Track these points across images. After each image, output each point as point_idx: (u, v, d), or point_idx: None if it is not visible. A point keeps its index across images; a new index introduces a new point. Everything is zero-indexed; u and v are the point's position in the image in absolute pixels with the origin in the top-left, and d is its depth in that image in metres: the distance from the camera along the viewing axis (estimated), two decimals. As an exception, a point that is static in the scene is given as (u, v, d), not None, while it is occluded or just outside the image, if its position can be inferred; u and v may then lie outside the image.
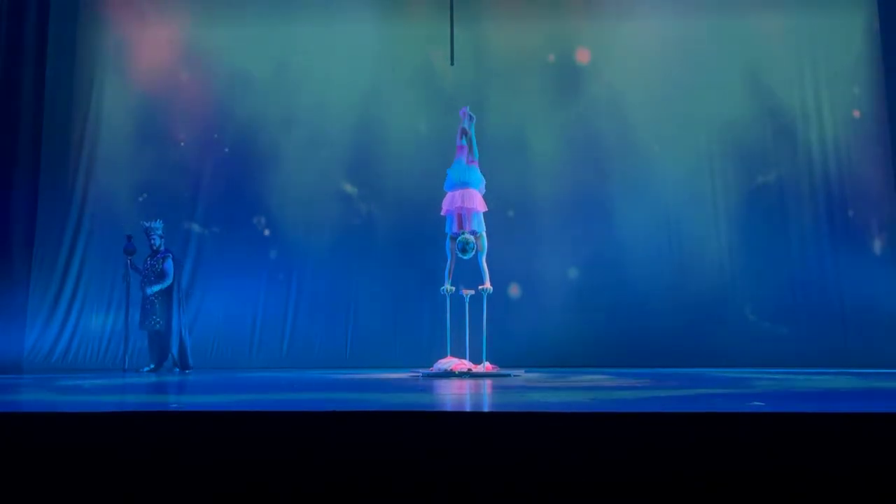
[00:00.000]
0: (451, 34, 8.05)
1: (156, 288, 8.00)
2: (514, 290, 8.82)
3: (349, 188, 9.26)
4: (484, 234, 7.32)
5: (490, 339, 7.31)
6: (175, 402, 4.45)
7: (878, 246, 8.76)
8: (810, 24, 9.12)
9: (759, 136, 9.05)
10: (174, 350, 8.11)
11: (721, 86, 9.10)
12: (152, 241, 8.16)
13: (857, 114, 8.96)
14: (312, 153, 9.28)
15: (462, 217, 7.25)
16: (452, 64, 8.26)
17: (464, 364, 7.06)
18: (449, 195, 7.44)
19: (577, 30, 9.37)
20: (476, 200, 7.32)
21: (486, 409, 3.91)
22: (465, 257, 7.23)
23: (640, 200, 9.03)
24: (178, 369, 8.04)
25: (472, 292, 7.37)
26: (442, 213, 7.52)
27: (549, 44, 9.36)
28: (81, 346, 8.85)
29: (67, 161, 9.15)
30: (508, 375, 6.86)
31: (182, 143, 9.27)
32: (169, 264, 8.15)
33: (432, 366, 7.26)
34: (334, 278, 9.08)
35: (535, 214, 9.06)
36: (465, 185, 7.35)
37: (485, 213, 7.43)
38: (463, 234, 7.19)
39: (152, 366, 8.02)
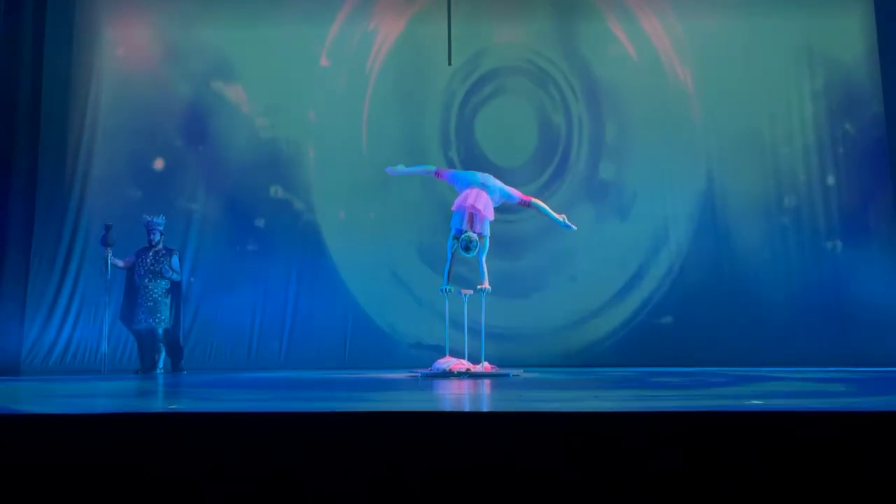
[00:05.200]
0: (448, 34, 8.03)
1: (174, 277, 7.96)
2: (513, 290, 8.80)
3: (349, 188, 9.24)
4: (487, 236, 7.28)
5: (488, 338, 7.31)
6: (175, 403, 4.44)
7: (877, 245, 8.77)
8: (808, 24, 9.13)
9: (759, 136, 9.06)
10: (182, 348, 8.09)
11: (720, 86, 9.10)
12: (152, 237, 8.04)
13: (855, 117, 8.98)
14: (311, 153, 9.29)
15: (473, 217, 7.17)
16: (450, 64, 8.24)
17: (462, 364, 7.05)
18: (465, 192, 7.30)
19: (575, 30, 9.37)
20: (490, 207, 7.25)
21: (484, 410, 3.91)
22: (468, 255, 7.17)
23: (639, 201, 9.05)
24: (170, 370, 8.00)
25: (471, 292, 7.36)
26: (452, 209, 7.37)
27: (545, 43, 9.37)
28: (80, 348, 8.82)
29: (65, 160, 9.11)
30: (507, 375, 6.86)
31: (180, 145, 9.25)
32: (176, 260, 8.10)
33: (431, 366, 7.26)
34: (333, 278, 9.08)
35: (535, 212, 9.08)
36: (485, 187, 7.32)
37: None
38: (467, 232, 7.13)
39: (159, 367, 7.94)
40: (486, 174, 7.48)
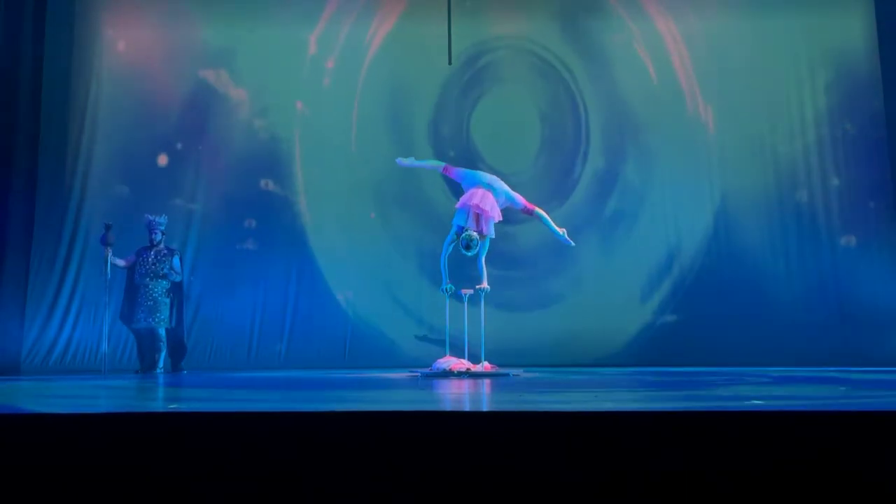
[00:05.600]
0: (448, 33, 8.02)
1: (177, 279, 7.96)
2: (514, 289, 8.79)
3: (348, 187, 9.24)
4: (490, 237, 7.22)
5: (488, 338, 7.31)
6: (175, 403, 4.44)
7: (877, 244, 8.76)
8: (809, 23, 9.13)
9: (762, 137, 9.05)
10: (186, 348, 8.08)
11: (720, 85, 9.11)
12: (153, 236, 8.00)
13: (856, 117, 8.97)
14: (312, 152, 9.29)
15: (479, 217, 7.10)
16: (450, 63, 8.23)
17: (462, 364, 7.05)
18: (471, 191, 7.23)
19: (575, 28, 9.37)
20: (496, 208, 7.19)
21: (484, 409, 3.90)
22: (468, 254, 7.11)
23: (640, 201, 9.06)
24: (170, 369, 7.99)
25: (471, 292, 7.36)
26: (456, 206, 7.30)
27: (548, 36, 9.37)
28: (80, 348, 8.82)
29: (65, 160, 9.11)
30: (507, 375, 6.86)
31: (179, 145, 9.24)
32: (177, 261, 8.08)
33: (431, 365, 7.26)
34: (332, 278, 9.08)
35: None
36: (491, 188, 7.24)
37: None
38: (468, 230, 7.06)
39: (160, 367, 7.91)
40: (494, 176, 7.41)
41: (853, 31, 9.08)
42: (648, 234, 9.02)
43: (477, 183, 7.28)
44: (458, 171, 7.63)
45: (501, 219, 7.26)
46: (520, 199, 7.42)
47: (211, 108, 9.31)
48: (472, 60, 9.31)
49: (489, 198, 7.15)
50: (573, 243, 7.53)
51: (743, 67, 9.09)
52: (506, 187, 7.35)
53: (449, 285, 7.33)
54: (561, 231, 7.42)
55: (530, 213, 7.45)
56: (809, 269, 8.81)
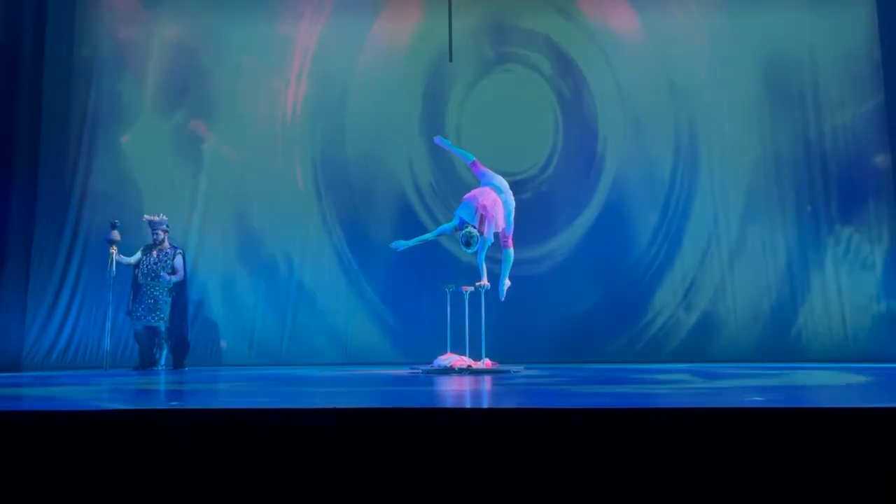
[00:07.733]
0: (449, 31, 8.02)
1: (173, 280, 7.95)
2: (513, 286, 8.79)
3: (350, 185, 9.25)
4: (490, 240, 7.17)
5: (489, 335, 7.31)
6: (175, 400, 4.44)
7: (877, 242, 8.75)
8: (810, 21, 9.11)
9: (758, 133, 9.04)
10: (189, 345, 8.09)
11: (720, 82, 9.10)
12: (155, 236, 8.06)
13: (856, 110, 8.95)
14: (315, 151, 9.30)
15: (483, 219, 6.95)
16: (451, 61, 8.23)
17: (463, 361, 7.05)
18: (483, 188, 7.13)
19: (580, 24, 9.35)
20: (500, 216, 7.08)
21: (485, 406, 3.91)
22: (467, 251, 7.04)
23: (641, 197, 9.06)
24: (171, 367, 8.01)
25: (472, 289, 7.36)
26: (464, 197, 7.15)
27: (547, 39, 9.36)
28: (81, 345, 8.83)
29: (66, 158, 9.12)
30: (508, 372, 6.86)
31: (181, 140, 9.25)
32: (180, 260, 8.09)
33: (432, 362, 7.26)
34: (333, 275, 9.09)
35: (537, 209, 9.05)
36: (501, 194, 7.16)
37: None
38: (468, 227, 6.94)
39: (161, 364, 7.94)
40: (510, 191, 7.24)
41: (855, 29, 9.04)
42: (649, 232, 9.00)
43: (493, 186, 7.19)
44: (482, 170, 7.40)
45: (502, 226, 7.16)
46: (511, 229, 7.23)
47: (213, 106, 9.32)
48: (471, 54, 9.29)
49: (498, 204, 7.07)
50: (503, 298, 7.31)
51: (746, 66, 9.07)
52: (512, 208, 7.20)
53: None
54: (507, 284, 7.27)
55: (505, 245, 7.23)
56: (810, 265, 8.79)
